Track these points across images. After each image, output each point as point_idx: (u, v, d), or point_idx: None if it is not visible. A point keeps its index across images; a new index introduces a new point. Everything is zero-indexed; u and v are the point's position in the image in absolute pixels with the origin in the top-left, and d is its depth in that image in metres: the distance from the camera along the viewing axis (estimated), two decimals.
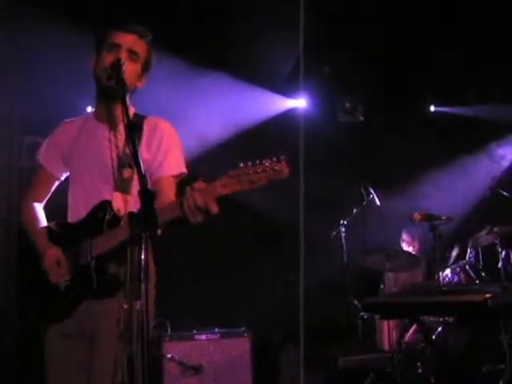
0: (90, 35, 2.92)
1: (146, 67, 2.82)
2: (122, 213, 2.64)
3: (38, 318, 2.78)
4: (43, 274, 2.70)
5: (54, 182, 2.98)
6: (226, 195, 2.33)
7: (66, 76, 5.19)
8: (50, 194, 3.00)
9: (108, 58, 2.68)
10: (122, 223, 2.59)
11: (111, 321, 2.50)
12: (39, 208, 2.96)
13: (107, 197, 2.69)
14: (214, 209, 2.33)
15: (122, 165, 2.70)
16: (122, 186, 2.69)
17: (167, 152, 2.78)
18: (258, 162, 2.30)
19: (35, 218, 2.90)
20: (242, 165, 2.31)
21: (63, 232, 2.80)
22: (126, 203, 2.67)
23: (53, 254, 2.71)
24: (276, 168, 2.28)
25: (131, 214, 2.25)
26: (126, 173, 2.67)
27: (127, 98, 2.65)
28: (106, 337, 2.56)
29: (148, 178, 2.68)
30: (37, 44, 5.30)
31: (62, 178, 2.97)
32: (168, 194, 2.71)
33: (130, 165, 2.62)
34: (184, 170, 2.83)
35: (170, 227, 2.52)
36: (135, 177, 2.43)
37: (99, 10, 5.10)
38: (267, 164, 2.29)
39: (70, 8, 5.25)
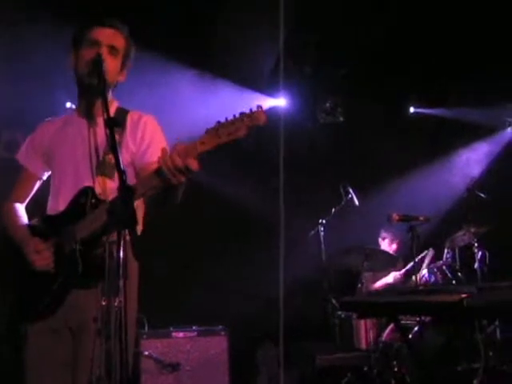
0: (68, 30, 2.90)
1: (125, 61, 2.82)
2: (105, 197, 2.62)
3: (23, 318, 2.70)
4: (27, 271, 2.66)
5: (36, 181, 2.98)
6: (207, 151, 2.33)
7: (43, 71, 5.14)
8: (31, 195, 3.00)
9: (88, 55, 2.68)
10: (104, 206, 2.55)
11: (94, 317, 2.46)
12: (21, 208, 2.95)
13: (89, 184, 2.67)
14: (194, 166, 2.32)
15: (104, 152, 2.68)
16: (104, 170, 2.67)
17: (151, 141, 2.79)
18: (234, 115, 2.30)
19: (16, 216, 2.89)
20: (218, 121, 2.31)
21: (45, 225, 2.77)
22: (108, 187, 2.65)
23: (33, 243, 2.67)
24: (253, 115, 2.28)
25: (110, 206, 2.23)
26: (108, 158, 2.65)
27: (109, 94, 2.65)
28: (90, 333, 2.51)
29: (133, 169, 2.68)
30: (12, 38, 5.24)
31: (44, 178, 2.97)
32: None
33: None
34: None
35: (156, 200, 2.53)
36: None
37: (77, 4, 5.05)
38: (244, 114, 2.29)
39: (47, 2, 5.20)
